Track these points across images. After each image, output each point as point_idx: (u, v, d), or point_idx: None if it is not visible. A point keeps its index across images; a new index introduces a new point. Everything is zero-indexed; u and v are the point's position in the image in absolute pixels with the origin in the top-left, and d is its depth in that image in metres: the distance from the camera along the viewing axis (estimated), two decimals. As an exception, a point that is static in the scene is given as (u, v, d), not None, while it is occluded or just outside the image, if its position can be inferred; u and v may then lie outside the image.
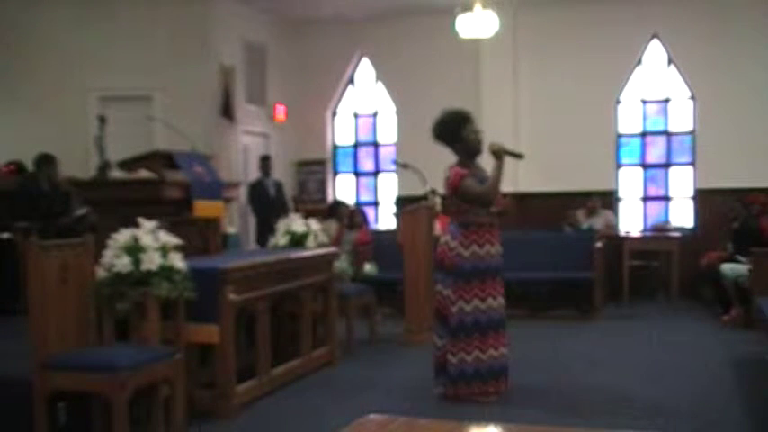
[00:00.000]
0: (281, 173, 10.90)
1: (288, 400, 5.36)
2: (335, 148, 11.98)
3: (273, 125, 11.12)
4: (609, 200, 10.56)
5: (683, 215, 10.61)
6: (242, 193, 9.48)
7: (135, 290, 4.40)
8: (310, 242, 6.61)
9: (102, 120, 6.24)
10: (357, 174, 11.98)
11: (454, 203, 5.36)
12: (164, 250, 4.49)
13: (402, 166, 8.31)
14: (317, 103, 11.68)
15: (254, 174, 10.24)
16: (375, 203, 11.82)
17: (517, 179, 9.97)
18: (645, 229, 10.58)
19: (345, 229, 8.97)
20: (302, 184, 11.79)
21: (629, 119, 10.75)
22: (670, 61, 10.51)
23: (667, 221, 10.54)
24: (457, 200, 5.32)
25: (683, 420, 4.82)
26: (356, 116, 11.88)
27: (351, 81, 11.77)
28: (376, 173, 11.89)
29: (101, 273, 4.42)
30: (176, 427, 4.40)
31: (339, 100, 11.81)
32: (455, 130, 5.38)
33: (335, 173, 11.99)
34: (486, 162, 5.49)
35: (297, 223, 6.71)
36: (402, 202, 9.14)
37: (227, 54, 9.94)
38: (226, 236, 7.62)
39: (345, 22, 11.23)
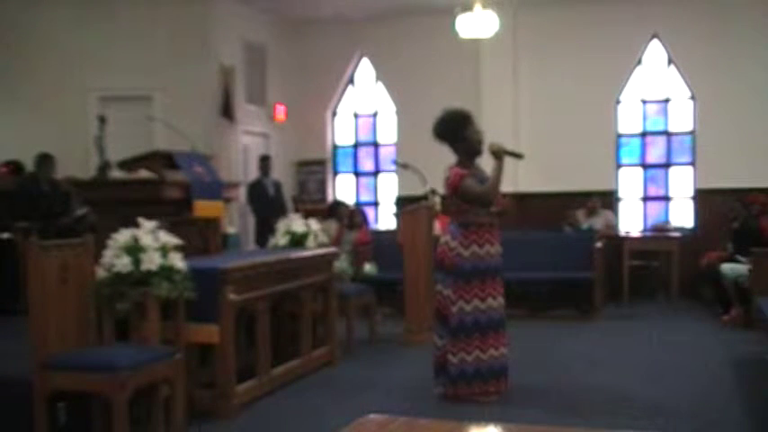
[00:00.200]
0: (282, 173, 10.90)
1: (288, 400, 5.36)
2: (335, 148, 11.98)
3: (273, 125, 11.13)
4: (609, 200, 10.56)
5: (683, 215, 10.61)
6: (242, 194, 9.47)
7: (135, 290, 4.40)
8: (310, 242, 6.60)
9: (102, 120, 6.24)
10: (357, 174, 11.98)
11: (454, 203, 5.36)
12: (164, 250, 4.49)
13: (402, 166, 8.31)
14: (317, 103, 11.68)
15: (253, 174, 10.24)
16: (375, 203, 11.82)
17: (517, 179, 9.97)
18: (645, 229, 10.58)
19: (345, 229, 8.97)
20: (302, 184, 11.79)
21: (629, 119, 10.75)
22: (670, 61, 10.51)
23: (667, 221, 10.54)
24: (457, 200, 5.32)
25: (683, 420, 4.82)
26: (356, 116, 11.88)
27: (351, 81, 11.77)
28: (376, 173, 11.89)
29: (101, 273, 4.42)
30: (176, 427, 4.40)
31: (339, 100, 11.82)
32: (456, 130, 5.38)
33: (335, 173, 11.99)
34: (486, 163, 5.49)
35: (297, 223, 6.71)
36: (402, 202, 9.14)
37: (227, 54, 9.94)
38: (226, 236, 7.62)
39: (345, 22, 11.23)
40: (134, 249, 4.42)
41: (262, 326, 5.34)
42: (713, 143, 10.20)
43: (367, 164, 11.95)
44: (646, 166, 10.80)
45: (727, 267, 8.23)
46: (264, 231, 8.66)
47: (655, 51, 10.54)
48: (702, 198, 10.37)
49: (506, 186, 5.79)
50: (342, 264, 7.07)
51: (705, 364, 6.36)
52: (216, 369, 4.91)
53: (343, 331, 6.77)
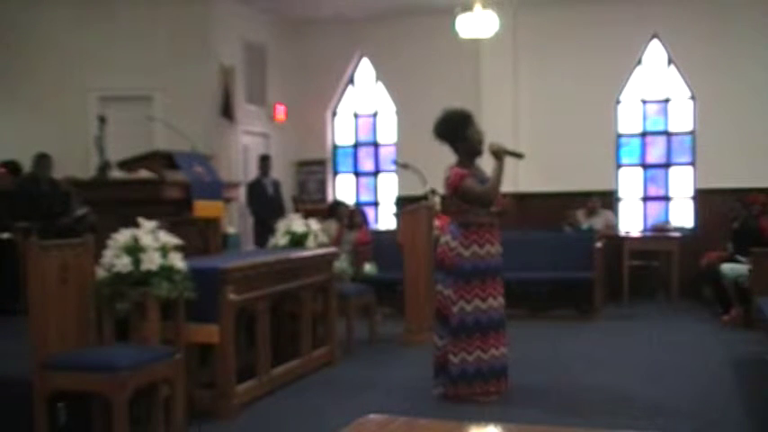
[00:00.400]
0: (282, 173, 10.90)
1: (288, 400, 5.36)
2: (335, 148, 11.98)
3: (273, 125, 11.13)
4: (609, 200, 10.56)
5: (683, 215, 10.61)
6: (241, 194, 9.47)
7: (135, 290, 4.40)
8: (310, 242, 6.60)
9: (102, 120, 6.23)
10: (357, 174, 11.98)
11: (454, 203, 5.36)
12: (164, 250, 4.49)
13: (402, 166, 8.31)
14: (317, 103, 11.68)
15: (253, 174, 10.24)
16: (375, 203, 11.82)
17: (517, 179, 9.96)
18: (645, 229, 10.58)
19: (345, 229, 8.97)
20: (302, 184, 11.79)
21: (629, 119, 10.75)
22: (670, 61, 10.51)
23: (667, 221, 10.53)
24: (457, 200, 5.32)
25: (683, 420, 4.82)
26: (356, 116, 11.88)
27: (351, 81, 11.77)
28: (376, 173, 11.89)
29: (101, 273, 4.42)
30: (176, 427, 4.40)
31: (339, 100, 11.81)
32: (457, 130, 5.38)
33: (335, 173, 11.99)
34: (486, 163, 5.49)
35: (297, 223, 6.71)
36: (402, 202, 9.13)
37: (227, 54, 9.94)
38: (226, 236, 7.62)
39: (345, 22, 11.23)
40: (134, 249, 4.42)
41: (262, 326, 5.34)
42: (713, 143, 10.20)
43: (367, 164, 11.95)
44: (646, 166, 10.80)
45: (727, 267, 8.23)
46: (263, 232, 8.66)
47: (655, 51, 10.54)
48: (702, 198, 10.37)
49: (506, 186, 5.78)
50: (342, 264, 7.07)
51: (705, 364, 6.36)
52: (216, 369, 4.91)
53: (343, 331, 6.77)
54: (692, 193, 10.54)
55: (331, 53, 11.47)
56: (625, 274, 9.72)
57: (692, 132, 10.53)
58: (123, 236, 4.46)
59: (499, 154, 5.30)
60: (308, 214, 7.34)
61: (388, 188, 11.61)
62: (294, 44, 11.51)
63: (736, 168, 9.94)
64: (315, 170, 11.80)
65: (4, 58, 9.75)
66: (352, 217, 9.17)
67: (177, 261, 4.54)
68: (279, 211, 9.36)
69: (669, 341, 7.37)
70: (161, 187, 5.35)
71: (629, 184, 10.81)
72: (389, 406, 5.09)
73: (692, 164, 10.53)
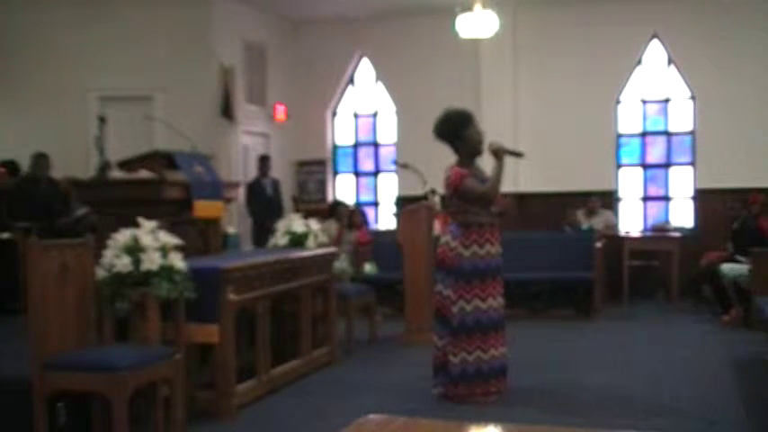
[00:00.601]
0: (281, 173, 10.90)
1: (288, 401, 5.36)
2: (335, 148, 11.98)
3: (273, 125, 11.12)
4: (609, 200, 10.56)
5: (683, 215, 10.61)
6: (241, 194, 9.47)
7: (135, 290, 4.40)
8: (310, 242, 6.60)
9: (102, 120, 6.23)
10: (357, 174, 11.98)
11: (454, 203, 5.36)
12: (164, 250, 4.49)
13: (402, 166, 8.31)
14: (317, 103, 11.68)
15: (253, 174, 10.24)
16: (375, 203, 11.82)
17: (517, 179, 9.97)
18: (645, 229, 10.58)
19: (345, 229, 8.98)
20: (302, 184, 11.79)
21: (629, 119, 10.75)
22: (670, 61, 10.51)
23: (667, 221, 10.53)
24: (457, 200, 5.32)
25: (683, 420, 4.82)
26: (356, 116, 11.88)
27: (351, 81, 11.77)
28: (376, 173, 11.89)
29: (101, 273, 4.42)
30: (176, 427, 4.40)
31: (339, 100, 11.81)
32: (457, 129, 5.38)
33: (335, 173, 11.99)
34: (485, 164, 5.49)
35: (297, 223, 6.71)
36: (402, 202, 9.13)
37: (227, 54, 9.94)
38: (226, 236, 7.62)
39: (345, 22, 11.23)
40: (134, 249, 4.42)
41: (262, 326, 5.34)
42: (713, 143, 10.20)
43: (367, 164, 11.95)
44: (646, 166, 10.80)
45: (726, 267, 8.23)
46: (261, 233, 8.66)
47: (655, 51, 10.54)
48: (702, 198, 10.37)
49: (506, 186, 5.79)
50: (342, 264, 7.07)
51: (705, 364, 6.37)
52: (216, 369, 4.91)
53: (343, 331, 6.77)
54: (692, 193, 10.54)
55: (331, 53, 11.47)
56: (625, 274, 9.72)
57: (692, 132, 10.53)
58: (123, 236, 4.46)
59: (499, 153, 5.31)
60: (308, 214, 7.34)
61: (388, 188, 11.61)
62: (294, 44, 11.51)
63: (736, 168, 9.94)
64: (315, 170, 11.80)
65: (3, 58, 9.75)
66: (352, 217, 9.17)
67: (177, 261, 4.54)
68: (278, 212, 9.36)
69: (669, 341, 7.37)
70: (161, 187, 5.34)
71: (629, 184, 10.81)
72: (389, 406, 5.09)
73: (692, 164, 10.53)
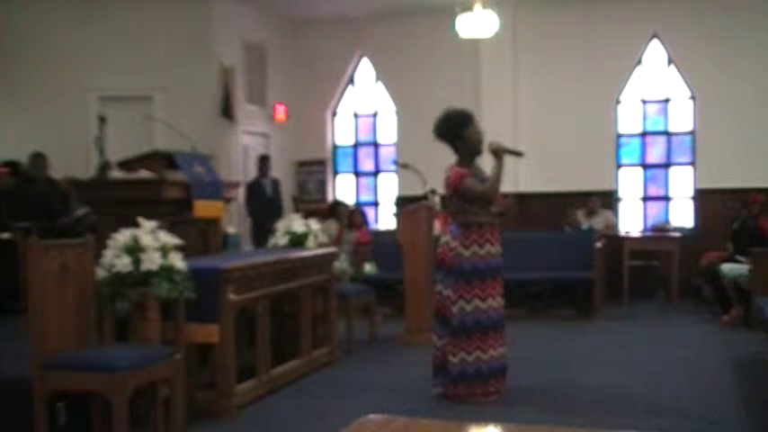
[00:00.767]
0: (281, 173, 10.90)
1: (288, 401, 5.36)
2: (335, 148, 11.98)
3: (273, 125, 11.13)
4: (609, 200, 10.56)
5: (683, 215, 10.61)
6: (241, 194, 9.47)
7: (135, 290, 4.40)
8: (310, 242, 6.60)
9: (102, 120, 6.23)
10: (357, 174, 11.98)
11: (454, 203, 5.36)
12: (164, 250, 4.49)
13: (402, 166, 8.31)
14: (317, 103, 11.68)
15: (253, 174, 10.23)
16: (375, 203, 11.82)
17: (517, 179, 9.97)
18: (645, 229, 10.58)
19: (345, 229, 8.97)
20: (302, 184, 11.79)
21: (629, 119, 10.75)
22: (670, 61, 10.51)
23: (667, 221, 10.53)
24: (457, 200, 5.32)
25: (683, 420, 4.82)
26: (356, 116, 11.88)
27: (351, 81, 11.77)
28: (376, 173, 11.89)
29: (101, 273, 4.42)
30: (176, 427, 4.40)
31: (339, 100, 11.81)
32: (457, 129, 5.38)
33: (335, 173, 11.99)
34: (485, 164, 5.49)
35: (297, 223, 6.71)
36: (402, 202, 9.13)
37: (227, 54, 9.94)
38: (226, 236, 7.62)
39: (345, 22, 11.23)
40: (134, 249, 4.42)
41: (262, 326, 5.34)
42: (713, 143, 10.20)
43: (367, 164, 11.95)
44: (646, 166, 10.80)
45: (726, 267, 8.23)
46: (260, 234, 8.65)
47: (655, 51, 10.54)
48: (702, 198, 10.37)
49: (506, 186, 5.79)
50: (342, 264, 7.07)
51: (705, 364, 6.37)
52: (216, 369, 4.91)
53: (343, 331, 6.77)
54: (692, 193, 10.54)
55: (331, 53, 11.47)
56: (625, 274, 9.72)
57: (692, 132, 10.53)
58: (123, 236, 4.46)
59: (499, 153, 5.31)
60: (308, 214, 7.34)
61: (388, 188, 11.61)
62: (294, 44, 11.51)
63: (736, 168, 9.94)
64: (315, 170, 11.80)
65: (3, 58, 9.75)
66: (352, 217, 9.17)
67: (177, 261, 4.54)
68: (277, 212, 9.36)
69: (669, 341, 7.37)
70: (161, 187, 5.34)
71: (629, 184, 10.81)
72: (389, 406, 5.09)
73: (692, 164, 10.53)
